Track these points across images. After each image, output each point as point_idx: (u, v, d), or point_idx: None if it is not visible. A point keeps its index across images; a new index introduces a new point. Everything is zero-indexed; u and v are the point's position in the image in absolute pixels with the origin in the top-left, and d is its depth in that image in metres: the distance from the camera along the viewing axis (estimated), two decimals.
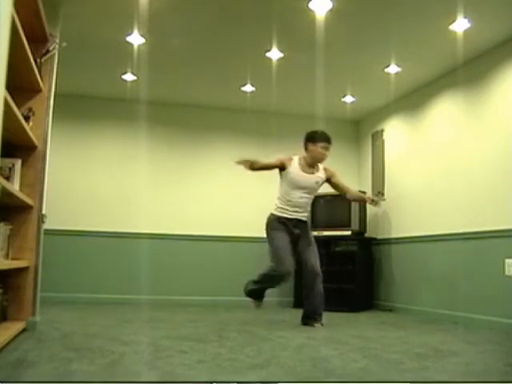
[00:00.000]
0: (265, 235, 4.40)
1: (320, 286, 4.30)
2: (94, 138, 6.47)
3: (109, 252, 6.24)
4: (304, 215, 4.43)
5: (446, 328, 4.55)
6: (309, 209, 4.55)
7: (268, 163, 4.39)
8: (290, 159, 4.39)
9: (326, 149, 4.39)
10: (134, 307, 5.58)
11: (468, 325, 4.64)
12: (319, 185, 4.44)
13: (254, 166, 4.21)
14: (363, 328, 4.44)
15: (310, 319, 4.29)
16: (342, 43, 4.76)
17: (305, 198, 4.38)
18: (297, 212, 4.36)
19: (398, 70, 5.28)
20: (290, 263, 4.24)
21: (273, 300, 6.45)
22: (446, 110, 5.41)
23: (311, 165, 4.40)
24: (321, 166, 4.46)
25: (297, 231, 4.36)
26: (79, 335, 3.49)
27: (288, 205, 4.35)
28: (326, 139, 4.40)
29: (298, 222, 4.38)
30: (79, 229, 6.18)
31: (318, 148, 4.36)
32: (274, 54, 4.98)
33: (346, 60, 5.14)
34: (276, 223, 4.36)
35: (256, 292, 4.48)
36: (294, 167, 4.36)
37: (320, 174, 4.42)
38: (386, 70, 5.28)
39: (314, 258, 4.34)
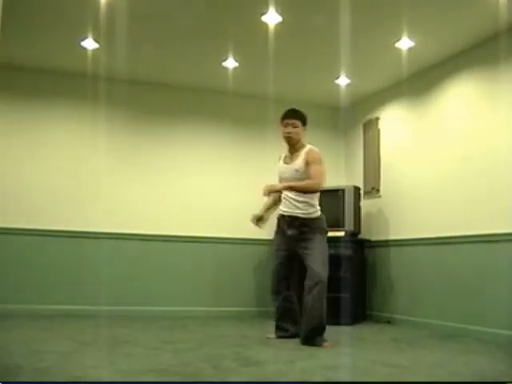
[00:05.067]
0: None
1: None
2: (42, 120, 5.44)
3: (61, 254, 5.26)
4: (302, 212, 3.77)
5: (484, 349, 3.73)
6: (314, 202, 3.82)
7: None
8: (280, 157, 3.97)
9: (288, 125, 3.79)
10: (91, 322, 4.67)
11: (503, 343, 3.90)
12: (301, 172, 3.72)
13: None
14: (379, 349, 3.68)
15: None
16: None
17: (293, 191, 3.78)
18: (291, 208, 3.80)
19: (411, 44, 4.54)
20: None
21: (250, 310, 5.68)
22: (459, 94, 4.73)
23: (291, 152, 3.85)
24: (305, 149, 3.77)
25: (291, 232, 3.79)
26: (28, 371, 2.56)
27: (284, 203, 3.88)
28: (285, 114, 3.82)
29: (294, 220, 3.78)
30: (24, 227, 5.17)
31: (282, 128, 3.82)
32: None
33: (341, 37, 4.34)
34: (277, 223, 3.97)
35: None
36: (280, 162, 3.92)
37: (298, 161, 3.75)
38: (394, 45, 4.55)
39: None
